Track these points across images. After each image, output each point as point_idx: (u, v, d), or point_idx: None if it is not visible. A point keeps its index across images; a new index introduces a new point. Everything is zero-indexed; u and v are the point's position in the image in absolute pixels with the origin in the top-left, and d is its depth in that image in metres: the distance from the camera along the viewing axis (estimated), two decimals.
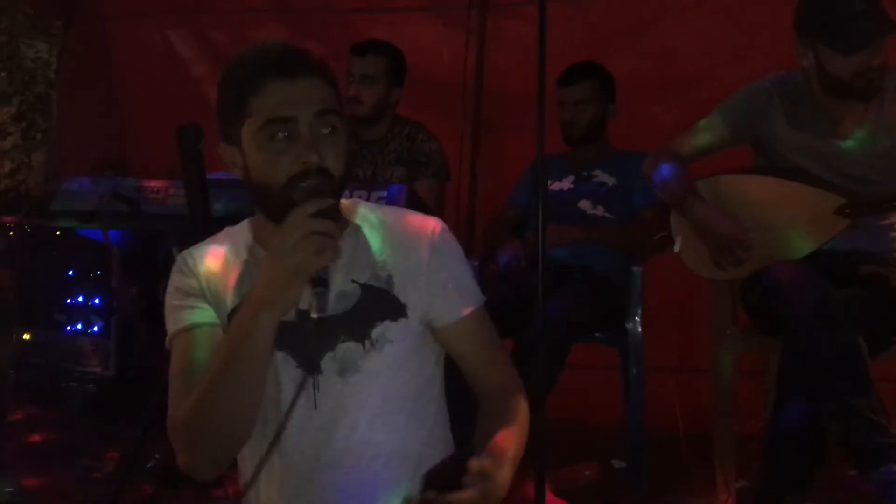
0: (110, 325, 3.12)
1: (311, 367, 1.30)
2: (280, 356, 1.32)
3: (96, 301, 3.19)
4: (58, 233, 3.24)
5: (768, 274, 2.13)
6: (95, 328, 3.17)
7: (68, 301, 3.22)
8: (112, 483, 2.53)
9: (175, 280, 1.38)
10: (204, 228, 2.41)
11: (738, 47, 3.13)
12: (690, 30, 3.24)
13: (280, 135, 1.27)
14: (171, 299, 1.38)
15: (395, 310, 1.36)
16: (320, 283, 1.21)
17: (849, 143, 2.23)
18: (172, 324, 1.36)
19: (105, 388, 3.24)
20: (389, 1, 3.70)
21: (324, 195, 1.24)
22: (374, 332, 1.34)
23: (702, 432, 2.50)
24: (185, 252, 1.42)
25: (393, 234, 1.39)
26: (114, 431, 2.99)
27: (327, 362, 1.33)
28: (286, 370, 1.32)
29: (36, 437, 3.10)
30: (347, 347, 1.33)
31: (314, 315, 1.23)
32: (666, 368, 2.95)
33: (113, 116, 4.05)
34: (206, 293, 1.36)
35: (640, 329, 2.65)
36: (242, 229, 1.43)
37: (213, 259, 1.39)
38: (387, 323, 1.35)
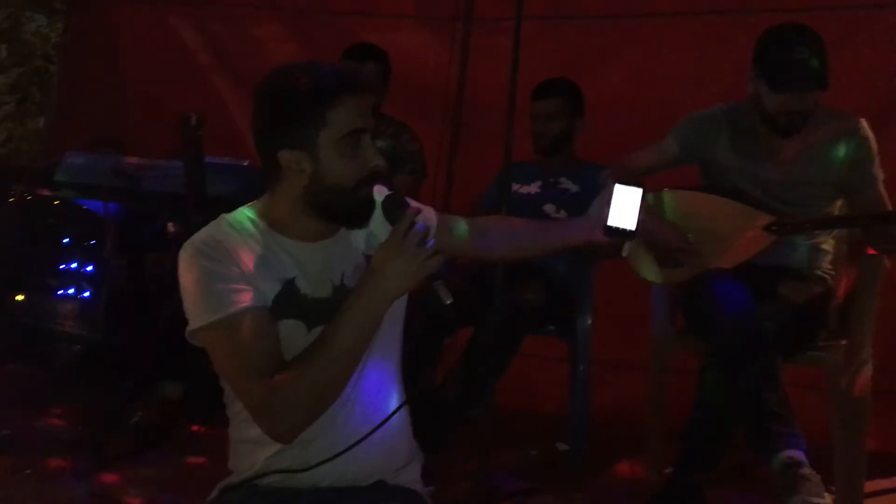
0: (100, 292, 3.24)
1: None
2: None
3: (88, 269, 3.28)
4: (56, 202, 3.39)
5: (702, 284, 2.35)
6: (86, 294, 3.29)
7: (62, 267, 3.31)
8: (96, 436, 2.74)
9: (211, 266, 1.41)
10: (200, 208, 2.64)
11: (699, 73, 3.30)
12: (656, 55, 3.43)
13: (355, 143, 1.43)
14: (211, 284, 1.40)
15: None
16: (439, 275, 1.40)
17: (780, 171, 2.45)
18: (221, 306, 1.38)
19: (91, 350, 3.39)
20: (381, 7, 3.86)
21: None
22: None
23: (639, 422, 2.72)
24: (205, 239, 1.43)
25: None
26: (98, 391, 3.17)
27: None
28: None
29: (18, 391, 3.26)
30: None
31: (448, 301, 1.38)
32: (611, 363, 3.14)
33: (111, 95, 4.19)
34: (250, 279, 1.42)
35: (589, 324, 2.86)
36: (245, 218, 1.49)
37: (242, 247, 1.44)
38: None
